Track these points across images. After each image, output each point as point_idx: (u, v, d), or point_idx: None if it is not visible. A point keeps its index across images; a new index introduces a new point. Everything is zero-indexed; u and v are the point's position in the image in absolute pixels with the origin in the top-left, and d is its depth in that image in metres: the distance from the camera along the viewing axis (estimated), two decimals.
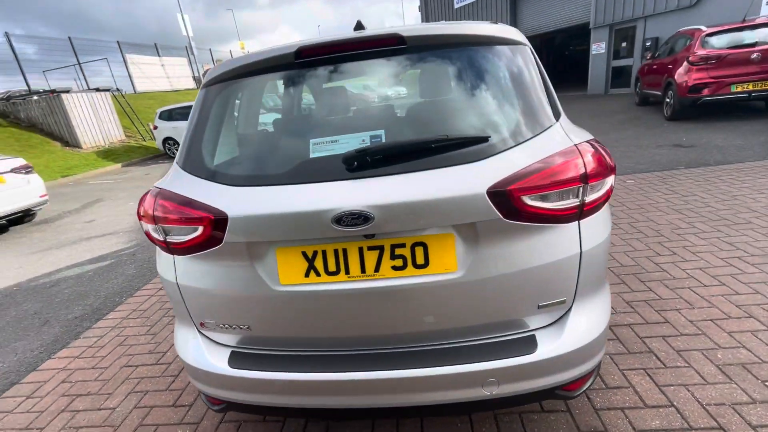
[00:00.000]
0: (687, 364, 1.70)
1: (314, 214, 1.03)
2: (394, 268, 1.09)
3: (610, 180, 1.15)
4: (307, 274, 1.12)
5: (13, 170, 5.51)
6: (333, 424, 1.63)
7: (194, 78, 23.64)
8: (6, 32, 14.38)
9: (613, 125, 7.75)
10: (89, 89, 14.50)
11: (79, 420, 1.85)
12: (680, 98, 6.94)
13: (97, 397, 1.99)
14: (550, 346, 1.14)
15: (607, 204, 1.21)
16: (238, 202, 1.09)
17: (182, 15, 20.67)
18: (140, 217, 1.23)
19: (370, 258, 1.09)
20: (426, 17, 21.55)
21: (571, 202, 1.07)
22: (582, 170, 1.05)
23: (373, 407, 1.22)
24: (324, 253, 1.10)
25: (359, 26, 1.57)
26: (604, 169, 1.10)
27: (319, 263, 1.11)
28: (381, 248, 1.09)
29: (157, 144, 12.44)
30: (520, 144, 1.08)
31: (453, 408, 1.23)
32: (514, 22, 16.82)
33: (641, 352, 1.80)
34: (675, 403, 1.52)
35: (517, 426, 1.52)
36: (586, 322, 1.18)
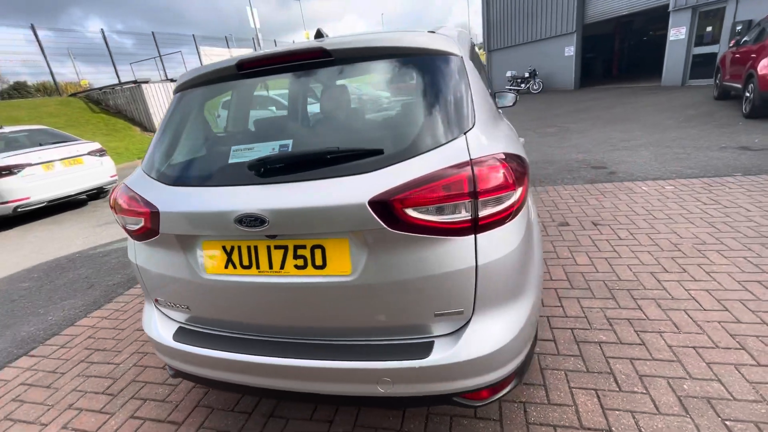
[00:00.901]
0: (644, 391, 1.60)
1: (221, 214, 1.16)
2: (297, 266, 1.19)
3: (514, 195, 1.14)
4: (226, 266, 1.26)
5: (90, 153, 6.39)
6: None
7: None
8: (102, 29, 16.36)
9: (678, 122, 6.97)
10: (166, 80, 16.10)
11: (91, 370, 2.21)
12: (761, 93, 6.04)
13: (108, 353, 2.35)
14: (443, 353, 1.17)
15: (519, 217, 1.19)
16: (169, 200, 1.26)
17: (251, 7, 21.95)
18: (110, 207, 1.46)
19: (276, 256, 1.20)
20: (487, 5, 20.67)
21: (461, 216, 1.08)
22: (471, 185, 1.06)
23: (286, 390, 1.34)
24: (239, 248, 1.23)
25: (318, 34, 1.66)
26: (500, 184, 1.09)
27: (235, 257, 1.24)
28: (285, 248, 1.19)
29: None
30: (416, 156, 1.11)
31: (356, 400, 1.31)
32: (582, 5, 15.53)
33: (600, 372, 1.72)
34: (613, 429, 1.45)
35: (444, 428, 1.56)
36: (486, 335, 1.19)
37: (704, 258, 2.54)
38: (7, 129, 6.38)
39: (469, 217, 1.09)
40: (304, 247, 1.18)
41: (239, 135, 1.35)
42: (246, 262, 1.24)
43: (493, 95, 2.52)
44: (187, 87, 1.48)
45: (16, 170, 5.40)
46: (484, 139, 1.20)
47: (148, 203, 1.28)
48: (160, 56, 18.80)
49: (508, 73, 18.48)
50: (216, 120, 1.58)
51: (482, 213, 1.09)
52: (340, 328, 1.25)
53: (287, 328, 1.30)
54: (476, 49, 2.34)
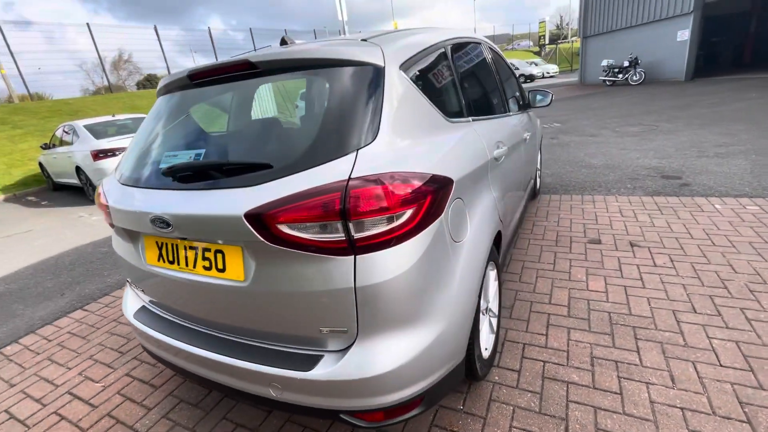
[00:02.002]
0: None
1: (142, 214, 1.29)
2: (204, 267, 1.28)
3: (401, 217, 1.08)
4: (158, 259, 1.41)
5: None
6: None
7: None
8: (209, 27, 18.50)
9: None
10: None
11: (117, 329, 2.63)
12: None
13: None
14: (326, 369, 1.17)
15: (415, 240, 1.12)
16: (116, 197, 1.44)
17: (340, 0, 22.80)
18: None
19: (190, 255, 1.31)
20: None
21: (336, 236, 1.06)
22: (340, 206, 1.03)
23: (205, 378, 1.45)
24: (166, 245, 1.37)
25: (283, 42, 1.72)
26: (378, 206, 1.04)
27: (164, 252, 1.38)
28: (196, 249, 1.29)
29: None
30: (302, 171, 1.11)
31: (257, 399, 1.36)
32: None
33: (552, 416, 1.54)
34: None
35: None
36: (372, 357, 1.15)
37: (754, 301, 2.07)
38: (119, 117, 7.64)
39: (343, 238, 1.06)
40: (209, 250, 1.26)
41: (177, 140, 1.47)
42: (170, 258, 1.37)
43: (502, 97, 2.33)
44: (160, 93, 1.65)
45: (118, 152, 6.46)
46: (385, 156, 1.13)
47: (105, 198, 1.49)
48: (255, 50, 20.62)
49: (604, 62, 16.52)
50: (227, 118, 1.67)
51: (359, 234, 1.06)
52: (240, 329, 1.32)
53: (202, 321, 1.42)
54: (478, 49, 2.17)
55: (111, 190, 1.50)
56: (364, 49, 1.28)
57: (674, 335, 1.90)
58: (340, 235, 1.06)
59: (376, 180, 1.06)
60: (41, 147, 8.33)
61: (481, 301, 1.69)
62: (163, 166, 1.37)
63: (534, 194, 3.98)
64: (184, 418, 1.78)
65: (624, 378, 1.68)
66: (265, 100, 1.52)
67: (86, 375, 2.18)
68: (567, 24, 51.01)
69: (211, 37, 18.68)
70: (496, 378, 1.78)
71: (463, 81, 1.78)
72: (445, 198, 1.23)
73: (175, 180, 1.28)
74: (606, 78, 16.35)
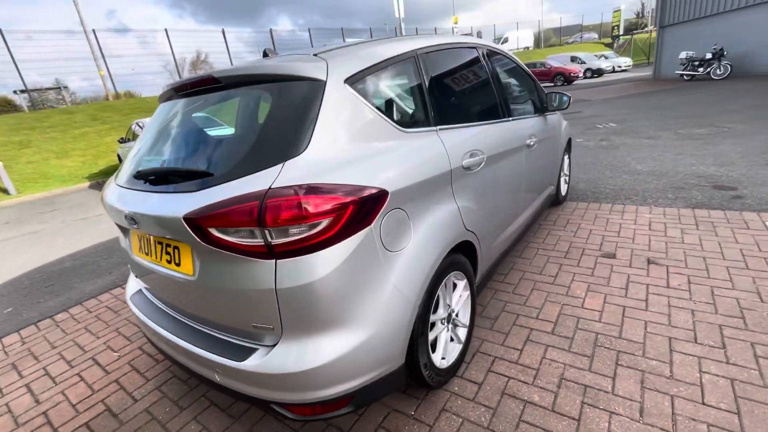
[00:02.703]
0: None
1: (119, 211, 1.49)
2: (167, 260, 1.45)
3: (317, 226, 1.14)
4: (140, 250, 1.61)
5: None
6: None
7: None
8: (270, 29, 19.57)
9: None
10: None
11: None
12: None
13: None
14: (255, 362, 1.28)
15: (336, 248, 1.18)
16: (110, 195, 1.66)
17: None
18: None
19: (158, 249, 1.48)
20: None
21: (256, 241, 1.15)
22: (257, 214, 1.12)
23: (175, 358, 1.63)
24: (143, 238, 1.56)
25: (265, 54, 1.85)
26: (292, 215, 1.11)
27: (143, 244, 1.58)
28: (162, 243, 1.46)
29: None
30: (235, 179, 1.21)
31: (209, 382, 1.50)
32: None
33: None
34: None
35: None
36: (295, 354, 1.24)
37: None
38: None
39: (263, 243, 1.15)
40: (170, 245, 1.42)
41: (156, 146, 1.65)
42: (146, 250, 1.56)
43: (499, 102, 2.27)
44: (161, 100, 1.85)
45: None
46: (312, 168, 1.20)
47: (104, 196, 1.72)
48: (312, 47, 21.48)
49: (683, 54, 14.82)
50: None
51: (277, 240, 1.14)
52: (195, 317, 1.48)
53: (170, 306, 1.60)
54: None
55: (109, 188, 1.74)
56: (309, 64, 1.35)
57: (661, 365, 1.74)
58: (259, 241, 1.15)
59: (293, 191, 1.13)
60: (118, 141, 9.47)
61: (439, 311, 1.70)
62: (141, 168, 1.56)
63: (557, 201, 3.77)
64: (172, 392, 2.01)
65: (588, 404, 1.59)
66: (226, 113, 1.65)
67: (109, 345, 2.52)
68: (648, 12, 46.30)
69: (272, 37, 19.81)
70: (455, 388, 1.77)
71: (435, 89, 1.78)
72: (374, 209, 1.27)
73: (145, 182, 1.46)
74: (684, 72, 14.67)
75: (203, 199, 1.22)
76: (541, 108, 3.06)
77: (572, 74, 21.23)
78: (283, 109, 1.30)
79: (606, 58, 25.51)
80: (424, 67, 1.76)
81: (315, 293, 1.19)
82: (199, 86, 1.50)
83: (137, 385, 2.09)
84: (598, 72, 23.55)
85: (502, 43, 23.92)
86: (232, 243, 1.18)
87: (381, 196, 1.29)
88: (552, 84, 21.18)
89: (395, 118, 1.54)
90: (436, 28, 30.88)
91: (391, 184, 1.34)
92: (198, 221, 1.20)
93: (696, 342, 1.85)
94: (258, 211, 1.12)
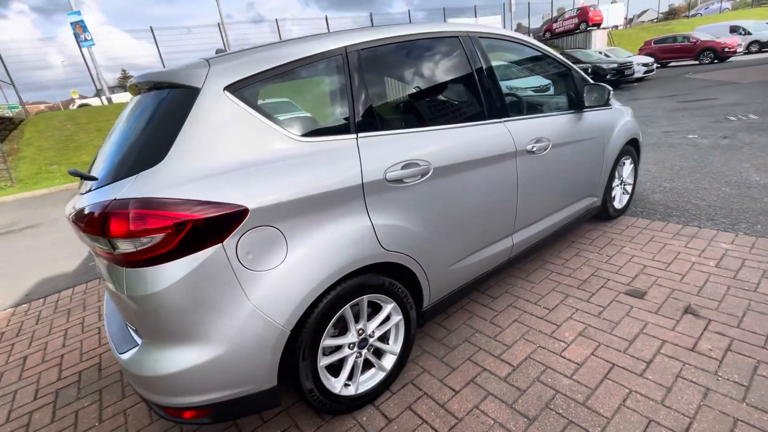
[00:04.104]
0: None
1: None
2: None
3: (151, 241, 1.14)
4: None
5: None
6: None
7: None
8: (370, 13, 19.88)
9: None
10: None
11: None
12: None
13: None
14: (125, 357, 1.36)
15: (174, 264, 1.17)
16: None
17: None
18: None
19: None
20: None
21: (107, 248, 1.20)
22: (100, 224, 1.16)
23: None
24: None
25: (218, 53, 1.90)
26: (124, 229, 1.13)
27: None
28: None
29: None
30: (101, 188, 1.27)
31: None
32: None
33: None
34: None
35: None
36: (150, 359, 1.28)
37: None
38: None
39: (111, 251, 1.19)
40: None
41: (106, 144, 1.81)
42: None
43: (480, 101, 1.95)
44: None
45: None
46: (163, 180, 1.18)
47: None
48: None
49: None
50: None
51: (120, 251, 1.17)
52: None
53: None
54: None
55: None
56: (191, 71, 1.32)
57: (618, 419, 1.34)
58: (108, 248, 1.20)
59: (128, 204, 1.14)
60: None
61: (348, 336, 1.58)
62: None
63: (606, 215, 3.12)
64: None
65: None
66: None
67: None
68: None
69: (372, 21, 20.15)
70: (364, 418, 1.64)
71: (367, 91, 1.58)
72: (227, 226, 1.21)
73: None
74: None
75: (82, 203, 1.31)
76: (576, 104, 2.53)
77: (726, 49, 16.92)
78: (154, 118, 1.31)
79: None
80: (355, 67, 1.58)
81: (157, 304, 1.20)
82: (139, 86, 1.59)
83: None
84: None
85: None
86: (96, 248, 1.26)
87: (238, 213, 1.22)
88: (697, 63, 17.26)
89: (294, 126, 1.43)
90: (552, 3, 27.62)
91: (258, 200, 1.25)
92: (74, 224, 1.30)
93: (673, 411, 1.37)
94: (101, 222, 1.16)
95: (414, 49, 1.82)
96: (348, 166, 1.46)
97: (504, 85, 2.21)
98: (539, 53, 2.42)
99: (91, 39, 14.06)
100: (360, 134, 1.54)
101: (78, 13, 13.59)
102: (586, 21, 20.82)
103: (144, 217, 1.13)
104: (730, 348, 1.72)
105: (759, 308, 1.95)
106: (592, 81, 2.62)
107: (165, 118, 1.29)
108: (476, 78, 1.97)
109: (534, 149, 2.13)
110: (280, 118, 1.41)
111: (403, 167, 1.58)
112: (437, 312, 1.97)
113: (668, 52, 17.83)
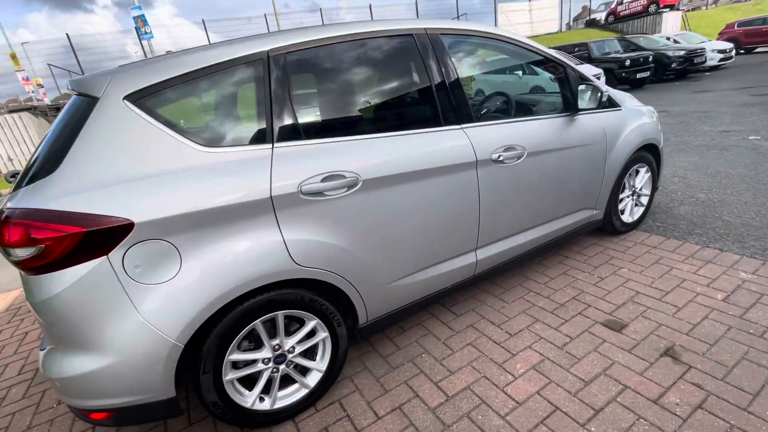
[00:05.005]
0: None
1: None
2: None
3: (32, 251, 1.16)
4: None
5: None
6: None
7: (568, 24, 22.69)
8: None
9: None
10: None
11: None
12: None
13: None
14: (40, 354, 1.43)
15: (59, 273, 1.19)
16: None
17: None
18: None
19: None
20: None
21: (4, 253, 1.25)
22: None
23: None
24: None
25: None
26: (5, 239, 1.16)
27: None
28: None
29: None
30: (13, 192, 1.32)
31: None
32: None
33: None
34: None
35: None
36: (55, 360, 1.33)
37: None
38: None
39: (8, 257, 1.24)
40: None
41: None
42: None
43: (434, 106, 1.79)
44: None
45: None
46: (52, 191, 1.20)
47: None
48: (458, 16, 20.53)
49: None
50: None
51: (12, 258, 1.21)
52: None
53: None
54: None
55: None
56: (95, 80, 1.32)
57: None
58: (5, 255, 1.25)
59: (12, 214, 1.17)
60: None
61: (262, 351, 1.54)
62: None
63: (613, 229, 2.78)
64: None
65: None
66: None
67: None
68: None
69: (417, 9, 19.65)
70: None
71: (290, 98, 1.49)
72: (111, 239, 1.20)
73: None
74: None
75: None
76: (569, 106, 2.25)
77: None
78: (59, 126, 1.33)
79: None
80: (278, 72, 1.49)
81: (48, 311, 1.23)
82: None
83: None
84: None
85: None
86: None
87: (122, 227, 1.21)
88: None
89: (200, 136, 1.39)
90: None
91: (147, 213, 1.24)
92: None
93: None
94: None
95: (355, 51, 1.69)
96: (256, 178, 1.39)
97: (475, 87, 2.02)
98: (522, 50, 2.17)
99: (150, 32, 15.11)
100: (277, 144, 1.47)
101: (139, 7, 14.67)
102: (656, 2, 18.74)
103: (26, 228, 1.16)
104: (703, 405, 1.46)
105: (758, 358, 1.63)
106: (594, 81, 2.31)
107: (66, 128, 1.31)
108: (431, 80, 1.80)
109: (501, 158, 1.92)
110: (186, 128, 1.38)
111: (324, 179, 1.49)
112: (382, 327, 1.87)
113: (755, 36, 15.56)
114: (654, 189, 2.95)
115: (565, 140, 2.20)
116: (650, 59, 11.01)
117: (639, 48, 12.21)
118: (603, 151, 2.42)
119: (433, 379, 1.77)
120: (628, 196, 2.81)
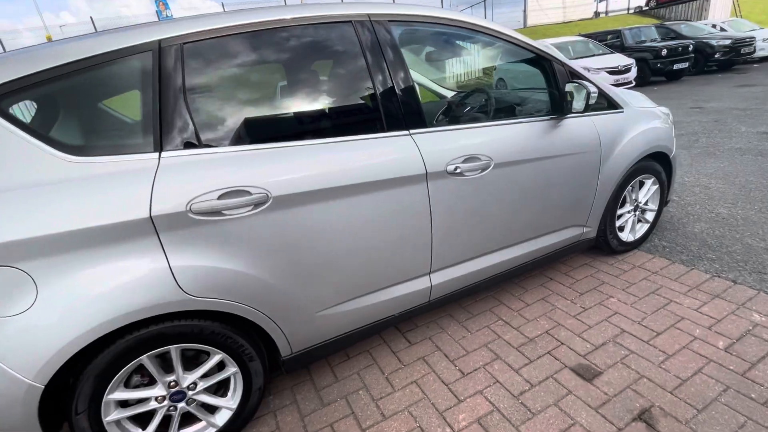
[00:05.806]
0: None
1: None
2: None
3: None
4: None
5: None
6: None
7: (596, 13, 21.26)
8: None
9: None
10: None
11: None
12: None
13: None
14: None
15: None
16: None
17: None
18: None
19: None
20: None
21: None
22: None
23: None
24: None
25: None
26: None
27: None
28: None
29: None
30: None
31: None
32: None
33: None
34: None
35: None
36: None
37: None
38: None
39: None
40: None
41: None
42: None
43: (376, 109, 1.53)
44: None
45: None
46: None
47: None
48: (484, 2, 19.62)
49: None
50: None
51: None
52: None
53: None
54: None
55: None
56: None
57: None
58: None
59: None
60: None
61: (155, 389, 1.36)
62: None
63: (609, 248, 2.43)
64: None
65: None
66: None
67: None
68: None
69: None
70: None
71: (184, 97, 1.25)
72: None
73: None
74: None
75: None
76: (553, 108, 1.92)
77: None
78: None
79: None
80: (171, 66, 1.26)
81: None
82: None
83: None
84: None
85: None
86: None
87: None
88: None
89: (68, 144, 1.18)
90: None
91: None
92: None
93: None
94: None
95: (272, 42, 1.43)
96: (131, 195, 1.18)
97: (437, 86, 1.72)
98: (496, 40, 1.84)
99: (171, 15, 15.38)
100: (165, 153, 1.24)
101: None
102: None
103: None
104: None
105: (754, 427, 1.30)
106: (586, 78, 1.96)
107: None
108: (372, 77, 1.52)
109: (459, 170, 1.63)
110: (48, 134, 1.17)
111: (221, 196, 1.26)
112: (318, 358, 1.66)
113: None
114: (663, 203, 2.56)
115: (546, 148, 1.87)
116: (690, 48, 10.06)
117: (679, 36, 11.20)
118: (596, 160, 2.07)
119: (362, 424, 1.54)
120: (629, 212, 2.44)
